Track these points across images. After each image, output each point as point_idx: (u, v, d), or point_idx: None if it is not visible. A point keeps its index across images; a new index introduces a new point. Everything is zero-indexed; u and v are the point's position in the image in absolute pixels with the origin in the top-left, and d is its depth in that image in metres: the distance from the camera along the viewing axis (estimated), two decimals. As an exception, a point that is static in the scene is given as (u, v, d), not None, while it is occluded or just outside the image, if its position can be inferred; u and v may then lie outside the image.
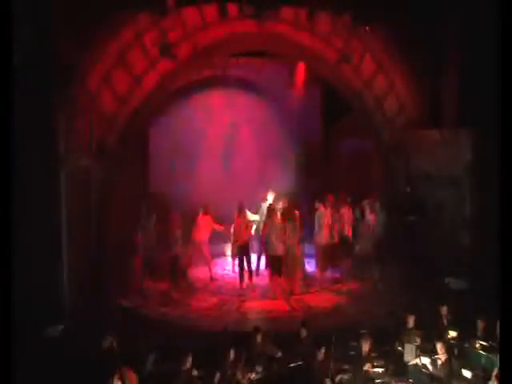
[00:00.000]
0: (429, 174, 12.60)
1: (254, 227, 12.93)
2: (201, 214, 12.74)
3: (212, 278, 12.69)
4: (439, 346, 7.78)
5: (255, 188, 13.86)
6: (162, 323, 10.05)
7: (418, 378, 7.69)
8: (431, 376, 7.63)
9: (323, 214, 12.16)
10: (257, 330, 8.51)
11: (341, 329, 9.53)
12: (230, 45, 12.60)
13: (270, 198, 12.97)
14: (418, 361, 7.86)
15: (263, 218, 12.31)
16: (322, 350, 7.86)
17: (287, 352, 8.22)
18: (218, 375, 7.27)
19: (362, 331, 8.45)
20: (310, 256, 12.81)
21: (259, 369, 7.78)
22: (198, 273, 12.97)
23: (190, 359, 7.38)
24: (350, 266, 12.55)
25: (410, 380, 7.69)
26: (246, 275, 12.13)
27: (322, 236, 12.15)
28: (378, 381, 7.62)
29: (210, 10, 11.82)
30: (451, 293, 11.10)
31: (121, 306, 10.81)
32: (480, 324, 8.52)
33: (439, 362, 7.69)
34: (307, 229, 12.27)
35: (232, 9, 11.70)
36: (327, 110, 15.96)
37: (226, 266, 13.81)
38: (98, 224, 11.12)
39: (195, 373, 7.34)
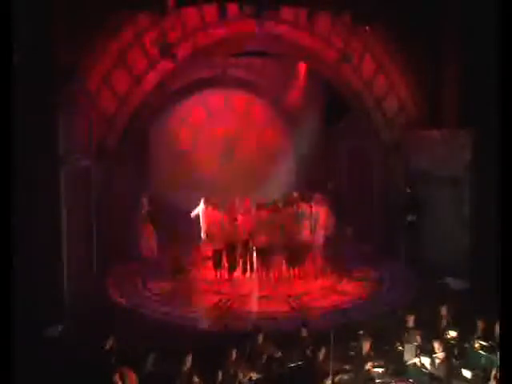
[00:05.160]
0: (429, 174, 12.60)
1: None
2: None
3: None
4: (436, 345, 7.80)
5: (255, 187, 13.85)
6: (162, 323, 10.05)
7: (418, 377, 7.69)
8: (431, 376, 7.63)
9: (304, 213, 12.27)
10: (258, 329, 8.50)
11: (341, 329, 9.55)
12: (229, 45, 12.61)
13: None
14: (417, 360, 7.86)
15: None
16: (322, 350, 7.86)
17: (287, 352, 8.21)
18: (219, 375, 7.26)
19: (362, 331, 8.44)
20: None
21: (259, 369, 7.78)
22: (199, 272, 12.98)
23: (189, 359, 7.38)
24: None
25: (410, 380, 7.69)
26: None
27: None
28: (378, 381, 7.61)
29: (210, 10, 11.83)
30: (451, 293, 11.11)
31: (121, 306, 10.81)
32: (480, 324, 8.52)
33: (437, 361, 7.69)
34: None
35: (232, 9, 11.70)
36: (327, 110, 15.96)
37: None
38: (97, 224, 11.12)
39: (195, 373, 7.33)
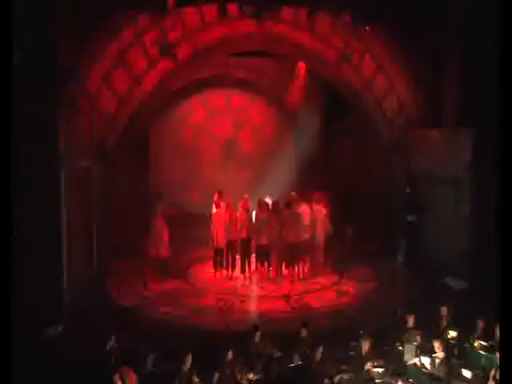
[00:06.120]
0: (429, 174, 12.60)
1: None
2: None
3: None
4: (436, 345, 7.79)
5: (255, 187, 13.86)
6: (162, 323, 10.05)
7: (418, 377, 7.69)
8: (431, 376, 7.63)
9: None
10: (255, 328, 8.51)
11: (341, 329, 9.55)
12: (229, 45, 12.61)
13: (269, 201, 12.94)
14: (417, 360, 7.86)
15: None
16: (322, 350, 7.86)
17: (287, 352, 8.21)
18: (216, 375, 7.27)
19: (362, 331, 8.44)
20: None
21: (258, 369, 7.78)
22: (199, 272, 12.99)
23: (189, 359, 7.39)
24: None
25: (410, 380, 7.69)
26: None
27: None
28: (378, 381, 7.61)
29: (210, 10, 11.82)
30: (451, 293, 11.11)
31: (121, 306, 10.81)
32: (480, 324, 8.53)
33: (437, 361, 7.69)
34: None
35: (232, 9, 11.70)
36: (327, 110, 15.97)
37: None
38: (97, 224, 11.12)
39: (195, 373, 7.33)
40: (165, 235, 12.42)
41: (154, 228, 12.40)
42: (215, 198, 12.41)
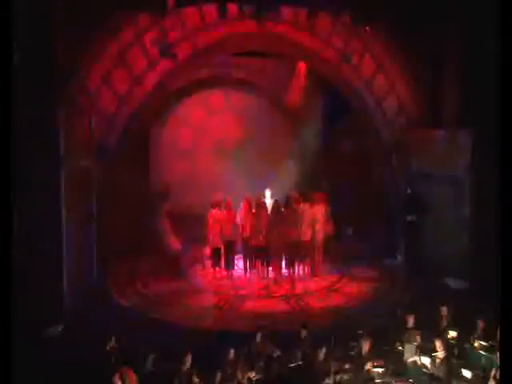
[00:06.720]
0: (429, 174, 12.60)
1: None
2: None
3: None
4: (438, 344, 7.79)
5: (255, 187, 13.86)
6: (162, 323, 10.05)
7: (418, 377, 7.69)
8: (431, 376, 7.63)
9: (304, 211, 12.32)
10: (258, 328, 8.52)
11: (341, 329, 9.55)
12: (229, 45, 12.61)
13: (268, 194, 13.01)
14: (417, 358, 7.87)
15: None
16: (322, 350, 7.86)
17: (287, 352, 8.21)
18: (218, 375, 7.27)
19: (362, 331, 8.44)
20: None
21: (259, 368, 7.78)
22: (199, 272, 12.99)
23: (189, 359, 7.39)
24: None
25: (410, 380, 7.70)
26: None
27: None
28: (377, 381, 7.62)
29: (210, 10, 11.82)
30: (451, 293, 11.11)
31: (121, 305, 10.81)
32: (480, 324, 8.53)
33: (437, 361, 7.70)
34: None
35: (232, 9, 11.70)
36: (327, 111, 15.96)
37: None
38: (98, 224, 11.12)
39: (195, 373, 7.33)
40: (172, 236, 12.53)
41: (164, 228, 12.45)
42: (217, 200, 12.42)
